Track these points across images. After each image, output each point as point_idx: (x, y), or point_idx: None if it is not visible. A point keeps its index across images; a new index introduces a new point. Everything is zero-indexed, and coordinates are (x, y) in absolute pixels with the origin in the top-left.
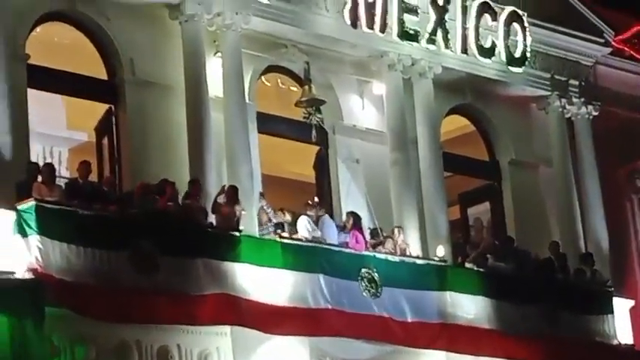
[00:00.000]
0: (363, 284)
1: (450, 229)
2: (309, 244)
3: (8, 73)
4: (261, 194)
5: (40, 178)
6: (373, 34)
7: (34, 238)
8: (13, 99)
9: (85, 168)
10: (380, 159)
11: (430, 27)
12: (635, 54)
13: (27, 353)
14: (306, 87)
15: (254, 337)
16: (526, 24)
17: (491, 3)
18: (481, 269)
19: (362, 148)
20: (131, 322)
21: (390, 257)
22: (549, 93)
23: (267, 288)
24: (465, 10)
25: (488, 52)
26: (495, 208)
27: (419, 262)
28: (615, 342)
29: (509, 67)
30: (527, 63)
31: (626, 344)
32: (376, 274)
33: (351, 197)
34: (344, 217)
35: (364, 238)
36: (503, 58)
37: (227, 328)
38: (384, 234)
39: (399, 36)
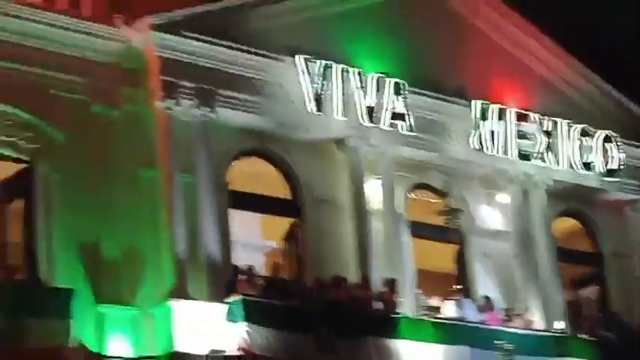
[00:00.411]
0: (500, 353)
1: (566, 307)
2: (455, 322)
3: (214, 198)
4: (415, 284)
5: (243, 277)
6: (496, 156)
7: (242, 324)
8: (219, 217)
9: (276, 269)
10: (506, 253)
11: (541, 149)
12: None
13: None
14: (446, 199)
15: None
16: (618, 143)
17: (589, 128)
18: (593, 338)
19: (491, 245)
20: None
21: (519, 331)
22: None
23: (423, 359)
24: (567, 134)
25: (589, 166)
26: (601, 289)
27: (542, 334)
28: None
29: (606, 178)
30: (620, 173)
31: None
32: (509, 345)
33: (484, 284)
34: (480, 300)
35: (497, 316)
36: (601, 170)
37: None
38: (513, 312)
39: (517, 157)
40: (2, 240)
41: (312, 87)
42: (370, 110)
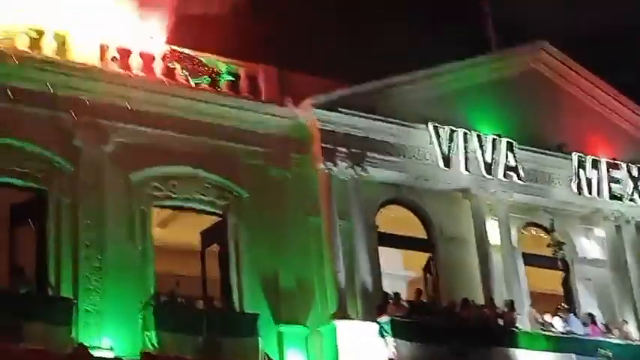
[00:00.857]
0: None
1: None
2: (563, 334)
3: (366, 238)
4: (529, 304)
5: (391, 301)
6: (593, 198)
7: (390, 340)
8: (370, 254)
9: (418, 293)
10: (604, 277)
11: (630, 190)
12: None
13: None
14: (552, 234)
15: None
16: None
17: None
18: None
19: (591, 270)
20: None
21: (618, 341)
22: None
23: None
24: None
25: None
26: None
27: (638, 343)
28: None
29: None
30: None
31: None
32: (610, 353)
33: (587, 303)
34: (584, 316)
35: (599, 330)
36: None
37: None
38: (612, 326)
39: (609, 198)
40: (203, 276)
41: (442, 148)
42: (488, 165)
